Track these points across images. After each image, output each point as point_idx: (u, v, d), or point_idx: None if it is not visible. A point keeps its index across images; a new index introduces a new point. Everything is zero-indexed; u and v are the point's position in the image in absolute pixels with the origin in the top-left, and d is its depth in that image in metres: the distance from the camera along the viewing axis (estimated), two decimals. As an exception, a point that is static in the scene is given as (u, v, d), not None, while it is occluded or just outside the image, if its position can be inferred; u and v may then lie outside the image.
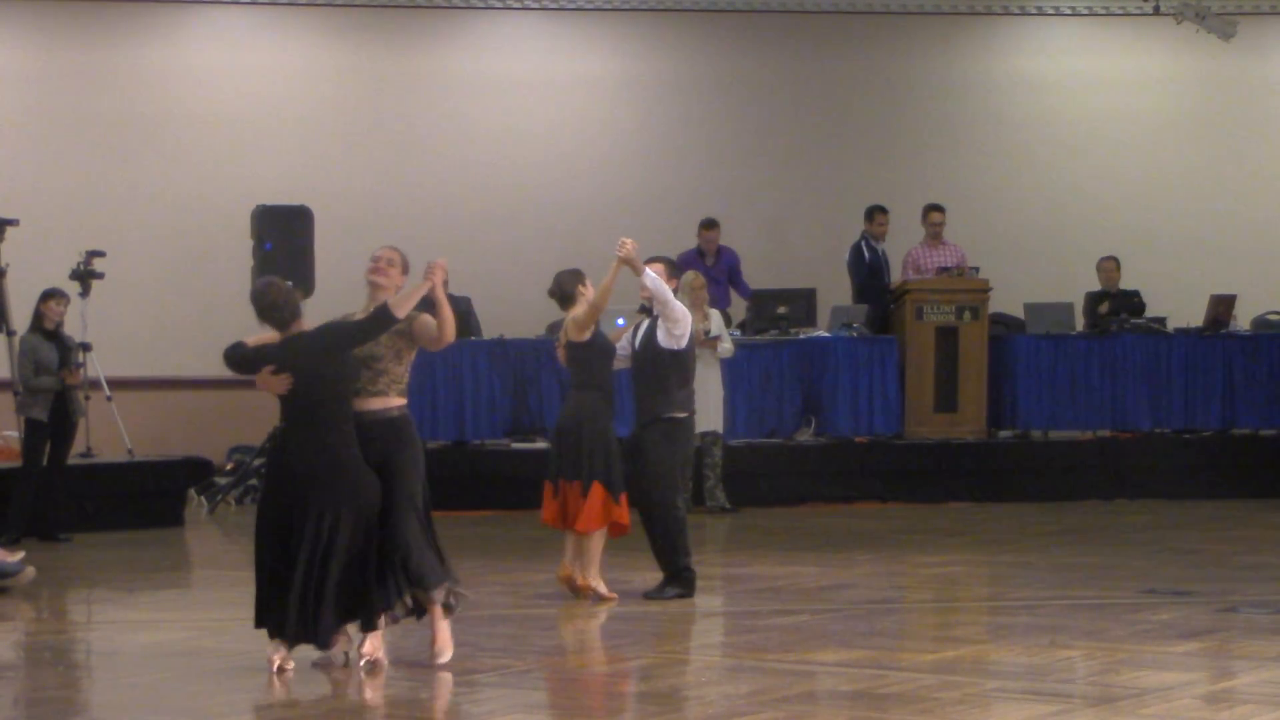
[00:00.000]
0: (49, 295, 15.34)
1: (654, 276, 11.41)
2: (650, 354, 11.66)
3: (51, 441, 15.17)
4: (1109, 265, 19.33)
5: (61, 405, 15.16)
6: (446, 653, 9.35)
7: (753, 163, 20.95)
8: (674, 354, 11.63)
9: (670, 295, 11.52)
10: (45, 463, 15.16)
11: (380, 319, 9.20)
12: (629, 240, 11.26)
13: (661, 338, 11.61)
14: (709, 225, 19.12)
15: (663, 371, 11.62)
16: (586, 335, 11.51)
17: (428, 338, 9.36)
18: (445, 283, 9.45)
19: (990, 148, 21.31)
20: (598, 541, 11.58)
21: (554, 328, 17.74)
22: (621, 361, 11.93)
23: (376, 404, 9.34)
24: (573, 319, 11.54)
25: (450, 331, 9.37)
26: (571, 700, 8.88)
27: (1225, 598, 11.68)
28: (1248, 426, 18.74)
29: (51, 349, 15.15)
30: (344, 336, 9.27)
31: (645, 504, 11.62)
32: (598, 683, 9.42)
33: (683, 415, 11.70)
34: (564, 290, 11.60)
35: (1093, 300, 19.13)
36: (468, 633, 10.59)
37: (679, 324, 11.57)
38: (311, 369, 9.18)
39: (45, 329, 15.22)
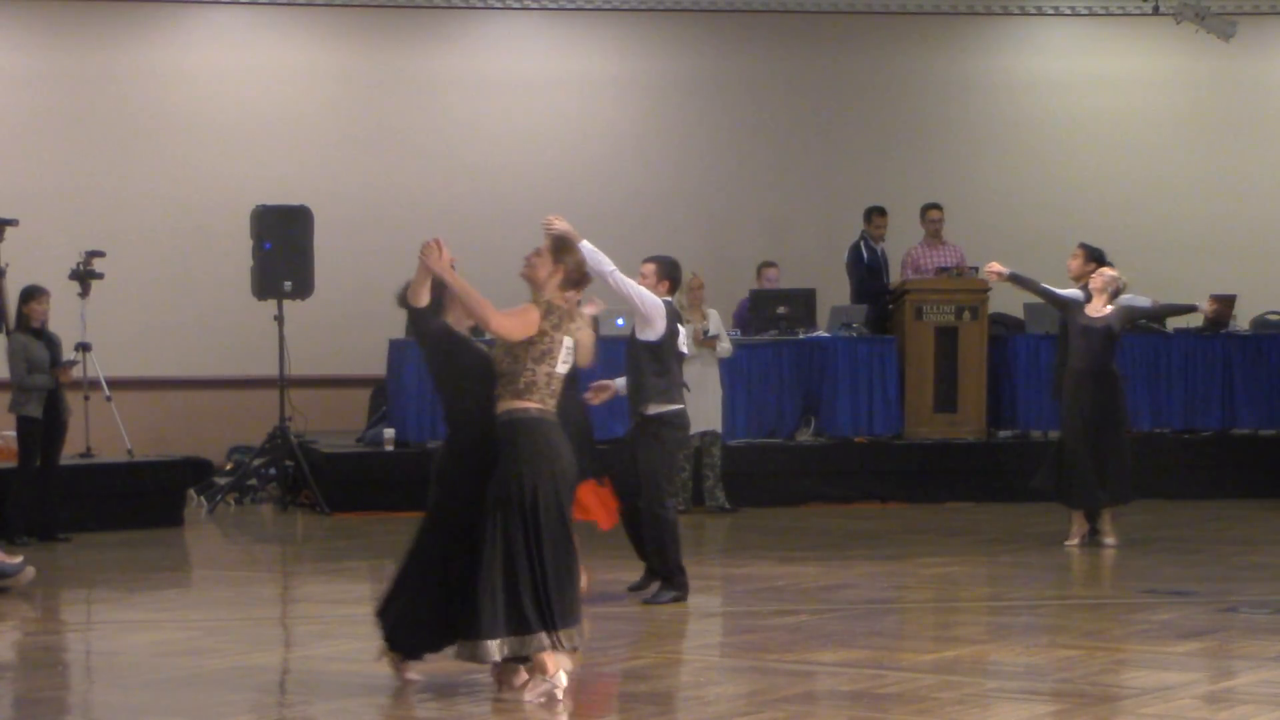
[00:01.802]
0: (31, 295, 15.30)
1: (591, 248, 10.58)
2: (630, 346, 11.54)
3: (44, 442, 15.15)
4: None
5: (54, 404, 15.15)
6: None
7: (753, 163, 20.95)
8: (648, 345, 11.37)
9: (617, 276, 10.98)
10: (41, 462, 15.16)
11: (409, 313, 8.80)
12: (557, 217, 10.51)
13: (638, 328, 11.46)
14: (769, 265, 19.07)
15: (638, 362, 11.40)
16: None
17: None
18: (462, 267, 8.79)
19: (990, 148, 21.32)
20: None
21: (554, 328, 17.77)
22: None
23: (497, 409, 8.57)
24: None
25: (470, 310, 8.56)
26: (571, 700, 8.87)
27: (1225, 598, 11.68)
28: (1248, 426, 18.74)
29: (42, 347, 15.14)
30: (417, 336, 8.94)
31: (633, 506, 11.55)
32: (597, 683, 9.41)
33: (665, 409, 11.38)
34: None
35: (1089, 303, 19.10)
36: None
37: (640, 308, 11.22)
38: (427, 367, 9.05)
39: (32, 328, 15.21)
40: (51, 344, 15.29)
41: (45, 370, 15.08)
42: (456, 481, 8.69)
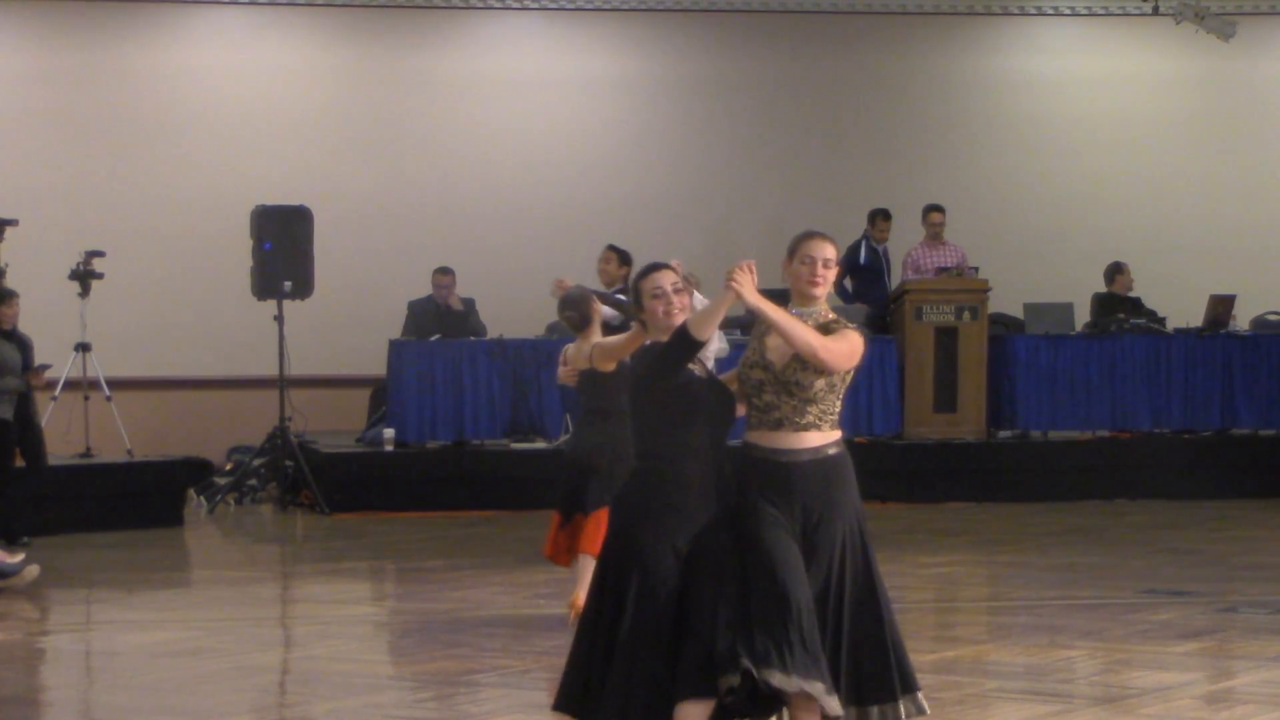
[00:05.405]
0: (1, 298, 15.22)
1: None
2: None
3: (22, 444, 15.09)
4: (1124, 269, 19.22)
5: (25, 407, 15.08)
6: None
7: (753, 163, 20.93)
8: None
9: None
10: (26, 464, 15.12)
11: (679, 341, 7.39)
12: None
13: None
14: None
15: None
16: (613, 366, 10.05)
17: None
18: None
19: (990, 148, 21.30)
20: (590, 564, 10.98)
21: (554, 328, 17.71)
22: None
23: (818, 441, 7.77)
24: (600, 347, 10.02)
25: (795, 343, 7.51)
26: (571, 700, 8.86)
27: (1225, 598, 11.68)
28: (1248, 426, 18.73)
29: (13, 349, 15.07)
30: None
31: None
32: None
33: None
34: (583, 314, 10.73)
35: (1101, 303, 19.07)
36: (468, 633, 10.61)
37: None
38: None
39: (3, 330, 15.14)
40: (23, 346, 15.21)
41: (16, 373, 14.98)
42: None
